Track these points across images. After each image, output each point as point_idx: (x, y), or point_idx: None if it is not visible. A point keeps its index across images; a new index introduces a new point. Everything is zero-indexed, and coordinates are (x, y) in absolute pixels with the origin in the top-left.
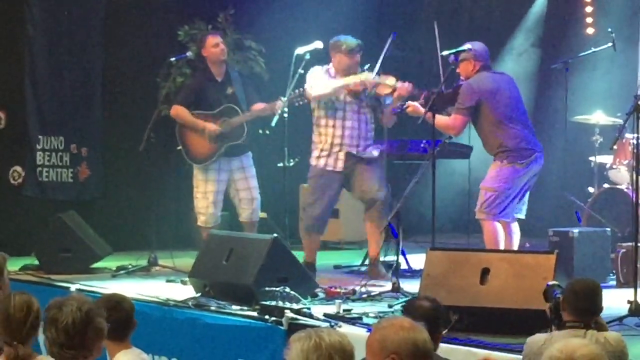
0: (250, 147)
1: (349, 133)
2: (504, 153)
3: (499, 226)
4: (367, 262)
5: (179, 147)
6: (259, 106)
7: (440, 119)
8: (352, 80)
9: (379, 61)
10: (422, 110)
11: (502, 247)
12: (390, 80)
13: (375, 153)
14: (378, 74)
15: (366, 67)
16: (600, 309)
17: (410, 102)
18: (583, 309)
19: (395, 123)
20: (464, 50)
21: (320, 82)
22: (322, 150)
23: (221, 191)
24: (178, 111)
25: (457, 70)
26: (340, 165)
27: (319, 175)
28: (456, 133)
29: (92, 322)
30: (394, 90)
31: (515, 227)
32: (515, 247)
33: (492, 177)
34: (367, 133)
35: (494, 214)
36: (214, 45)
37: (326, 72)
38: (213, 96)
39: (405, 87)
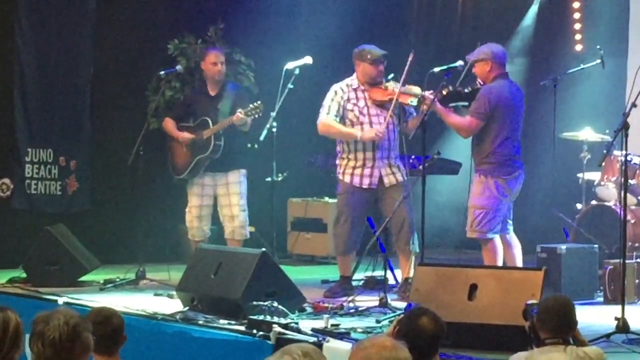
0: (239, 163)
1: (379, 145)
2: (487, 165)
3: (497, 241)
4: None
5: (168, 161)
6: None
7: (456, 118)
8: (365, 135)
9: (405, 71)
10: (438, 106)
11: (500, 262)
12: (416, 90)
13: (401, 177)
14: (404, 84)
15: (390, 76)
16: (575, 323)
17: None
18: (558, 326)
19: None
20: (455, 67)
21: (329, 118)
22: (354, 167)
23: (206, 205)
24: (166, 123)
25: (473, 71)
26: (374, 183)
27: (349, 192)
28: (466, 135)
29: (79, 337)
30: (422, 98)
31: (514, 239)
32: (519, 258)
33: (479, 195)
34: (395, 142)
35: (486, 231)
36: (213, 63)
37: (349, 89)
38: (203, 110)
39: (430, 96)
